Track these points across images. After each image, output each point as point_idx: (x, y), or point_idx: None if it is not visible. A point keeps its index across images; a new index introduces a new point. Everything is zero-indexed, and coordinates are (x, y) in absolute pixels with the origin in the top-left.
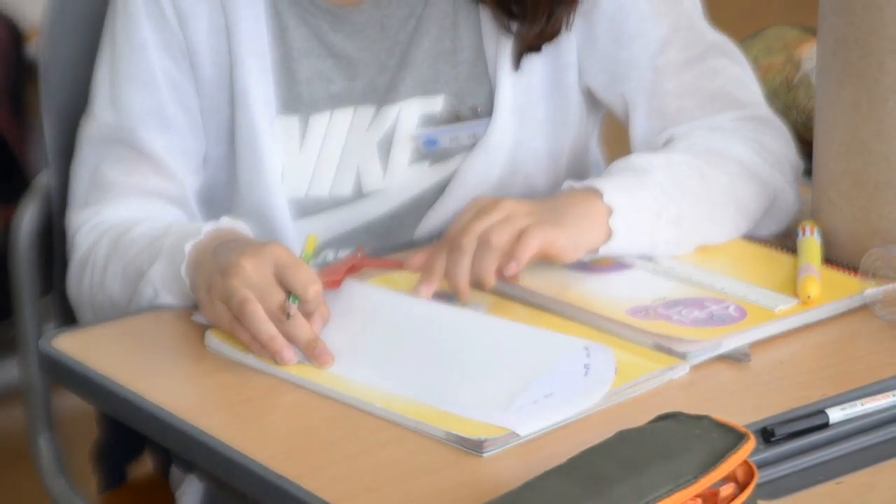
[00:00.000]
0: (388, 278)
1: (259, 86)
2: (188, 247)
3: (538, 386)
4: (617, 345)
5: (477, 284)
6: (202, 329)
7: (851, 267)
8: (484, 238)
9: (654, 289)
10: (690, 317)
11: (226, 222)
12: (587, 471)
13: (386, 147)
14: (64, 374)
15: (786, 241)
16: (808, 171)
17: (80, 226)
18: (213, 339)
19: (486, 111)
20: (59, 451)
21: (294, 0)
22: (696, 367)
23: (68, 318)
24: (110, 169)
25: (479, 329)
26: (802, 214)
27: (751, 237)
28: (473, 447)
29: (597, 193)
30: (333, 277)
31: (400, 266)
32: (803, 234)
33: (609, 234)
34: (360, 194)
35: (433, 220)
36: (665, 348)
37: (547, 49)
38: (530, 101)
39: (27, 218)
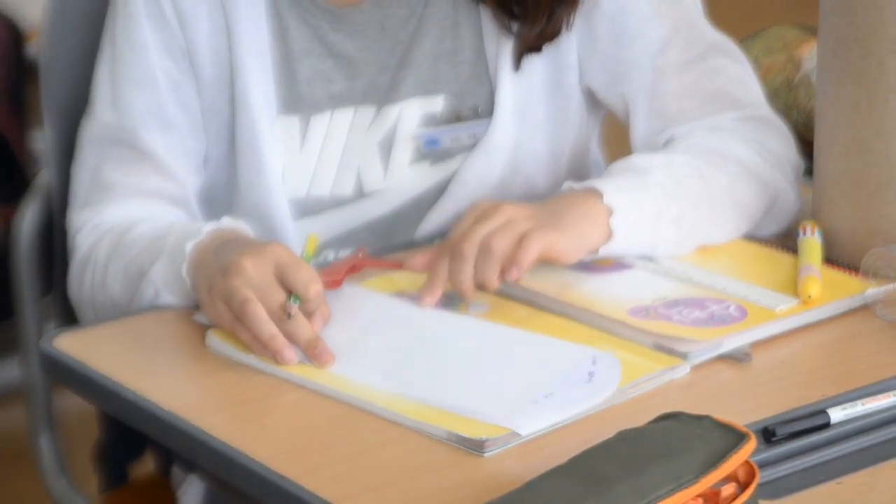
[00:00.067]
0: (389, 278)
1: (259, 86)
2: (189, 246)
3: (539, 387)
4: (617, 345)
5: (480, 287)
6: (203, 329)
7: (852, 267)
8: (485, 244)
9: (654, 289)
10: (691, 317)
11: (227, 222)
12: (588, 471)
13: (387, 147)
14: (65, 374)
15: (786, 240)
16: (809, 171)
17: (81, 226)
18: (214, 339)
19: (486, 111)
20: (60, 450)
21: (294, 0)
22: (696, 367)
23: (69, 317)
24: (111, 169)
25: (483, 334)
26: (803, 214)
27: (751, 237)
28: (474, 447)
29: (597, 194)
30: (334, 277)
31: (400, 266)
32: (804, 233)
33: (609, 235)
34: (360, 194)
35: (434, 219)
36: (666, 348)
37: (547, 49)
38: (531, 102)
39: (28, 218)
